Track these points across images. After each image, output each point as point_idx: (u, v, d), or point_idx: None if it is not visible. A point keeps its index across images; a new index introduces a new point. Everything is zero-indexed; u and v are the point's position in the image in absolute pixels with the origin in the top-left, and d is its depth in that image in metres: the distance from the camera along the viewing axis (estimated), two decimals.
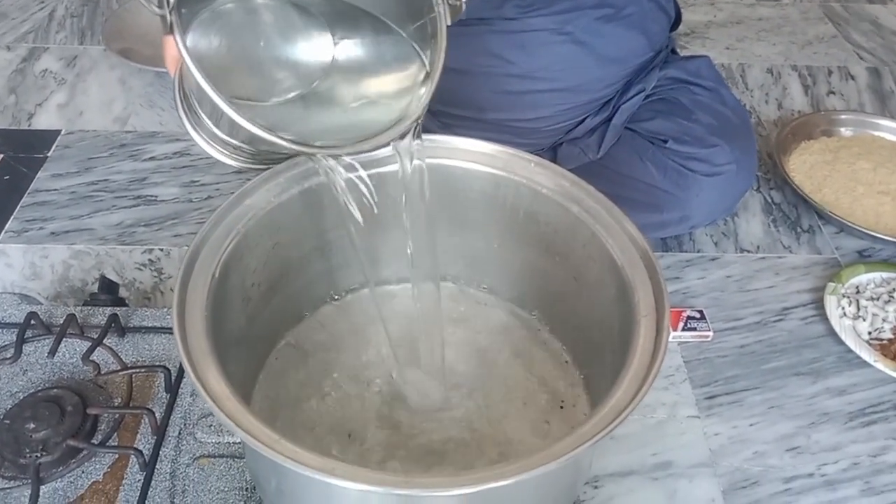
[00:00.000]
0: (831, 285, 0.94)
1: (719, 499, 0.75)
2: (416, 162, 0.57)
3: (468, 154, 0.65)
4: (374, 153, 0.55)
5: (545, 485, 0.49)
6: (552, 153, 0.98)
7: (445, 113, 0.94)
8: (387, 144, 0.53)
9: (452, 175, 0.65)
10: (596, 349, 0.63)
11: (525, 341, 0.72)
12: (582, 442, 0.43)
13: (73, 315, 0.72)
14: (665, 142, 0.92)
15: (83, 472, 0.64)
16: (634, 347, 0.50)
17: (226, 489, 0.62)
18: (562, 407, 0.67)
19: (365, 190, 0.54)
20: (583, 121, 0.95)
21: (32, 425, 0.64)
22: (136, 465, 0.63)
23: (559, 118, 0.94)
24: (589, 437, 0.44)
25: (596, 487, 0.74)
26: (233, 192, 0.60)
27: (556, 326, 0.70)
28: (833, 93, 1.35)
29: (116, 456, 0.65)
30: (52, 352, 0.69)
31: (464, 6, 0.53)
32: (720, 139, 0.91)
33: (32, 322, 0.73)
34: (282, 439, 0.44)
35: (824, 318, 0.92)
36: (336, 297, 0.75)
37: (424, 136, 0.64)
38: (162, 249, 0.99)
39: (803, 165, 1.13)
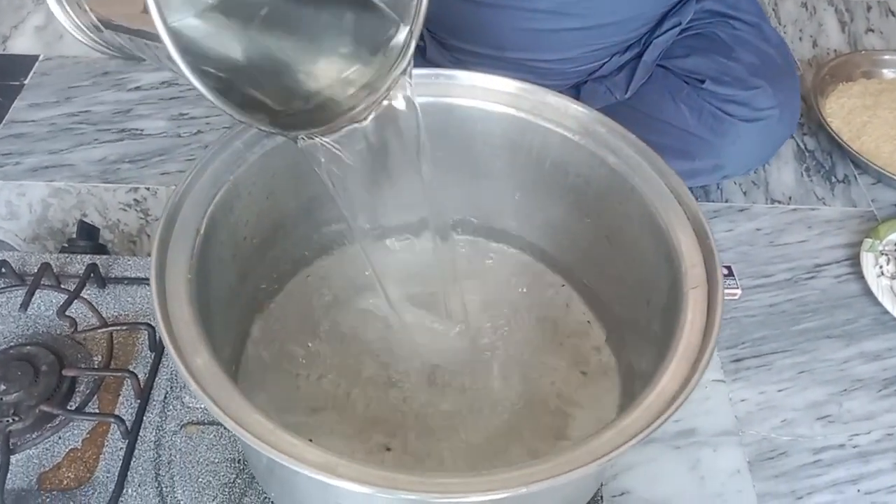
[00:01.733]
0: (868, 241, 0.88)
1: (745, 470, 0.70)
2: (400, 106, 0.48)
3: (489, 93, 0.57)
4: None
5: (576, 480, 0.44)
6: (574, 92, 0.90)
7: (460, 49, 0.85)
8: (365, 118, 0.45)
9: (470, 117, 0.58)
10: (627, 317, 0.57)
11: (545, 302, 0.66)
12: (627, 439, 0.37)
13: (48, 264, 0.66)
14: (701, 82, 0.84)
15: (60, 438, 0.58)
16: (681, 324, 0.44)
17: (216, 460, 0.57)
18: (585, 373, 0.61)
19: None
20: (611, 57, 0.86)
21: (3, 386, 0.58)
22: (119, 432, 0.58)
23: (586, 59, 0.85)
24: (635, 434, 0.38)
25: None
26: (225, 127, 0.52)
27: (581, 288, 0.64)
28: (872, 30, 1.26)
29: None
30: (25, 305, 0.63)
31: None
32: (762, 80, 0.83)
33: (3, 271, 0.66)
34: (277, 429, 0.38)
35: (860, 276, 0.86)
36: (337, 248, 0.68)
37: (440, 72, 0.57)
38: (148, 188, 0.92)
39: (841, 110, 1.05)
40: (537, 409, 0.60)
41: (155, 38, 0.34)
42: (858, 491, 0.70)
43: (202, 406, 0.59)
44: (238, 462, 0.57)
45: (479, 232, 0.68)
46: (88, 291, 0.66)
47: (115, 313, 0.66)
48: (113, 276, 0.68)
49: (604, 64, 0.87)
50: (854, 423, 0.75)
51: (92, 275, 0.66)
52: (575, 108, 0.55)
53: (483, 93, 0.56)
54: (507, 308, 0.66)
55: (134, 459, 0.57)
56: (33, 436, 0.58)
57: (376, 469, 0.36)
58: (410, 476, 0.36)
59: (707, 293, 0.45)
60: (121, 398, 0.60)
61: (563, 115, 0.55)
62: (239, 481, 0.56)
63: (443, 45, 0.88)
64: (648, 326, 0.51)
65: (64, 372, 0.59)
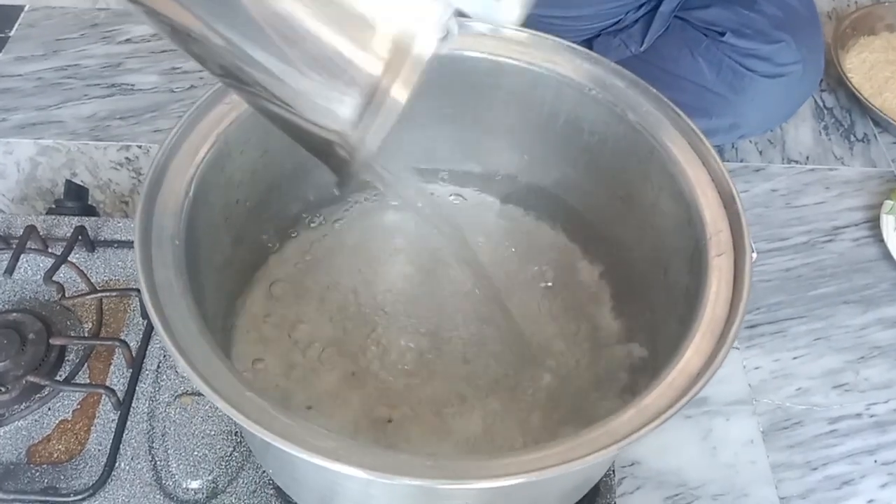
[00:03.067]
0: (888, 203, 0.85)
1: (758, 439, 0.68)
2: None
3: (499, 44, 0.53)
4: None
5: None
6: (587, 45, 0.85)
7: None
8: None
9: (478, 68, 0.54)
10: (644, 283, 0.53)
11: (555, 264, 0.62)
12: (649, 420, 0.35)
13: (34, 227, 0.63)
14: (721, 34, 0.79)
15: (49, 409, 0.56)
16: (705, 294, 0.41)
17: (212, 433, 0.55)
18: (600, 342, 0.58)
19: None
20: (626, 14, 0.82)
21: None
22: (110, 403, 0.55)
23: (602, 16, 0.81)
24: (657, 414, 0.35)
25: None
26: (216, 84, 0.48)
27: (593, 251, 0.60)
28: None
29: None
30: (10, 270, 0.60)
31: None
32: (786, 34, 0.78)
33: None
34: (271, 407, 0.35)
35: (879, 239, 0.83)
36: (336, 209, 0.64)
37: None
38: (140, 146, 0.88)
39: (862, 65, 1.01)
40: (545, 376, 0.57)
41: None
42: (875, 462, 0.68)
43: None
44: (235, 434, 0.55)
45: (487, 190, 0.65)
46: (76, 255, 0.63)
47: (105, 278, 0.63)
48: (102, 238, 0.65)
49: (619, 20, 0.83)
50: (871, 391, 0.73)
51: (80, 238, 0.63)
52: (591, 61, 0.51)
53: (493, 43, 0.52)
54: (515, 269, 0.63)
55: (126, 431, 0.54)
56: (21, 407, 0.55)
57: (380, 453, 0.33)
58: (416, 459, 0.34)
59: (733, 261, 0.42)
60: (112, 367, 0.58)
61: (578, 67, 0.51)
62: (236, 454, 0.54)
63: None
64: (668, 296, 0.48)
65: (52, 340, 0.57)
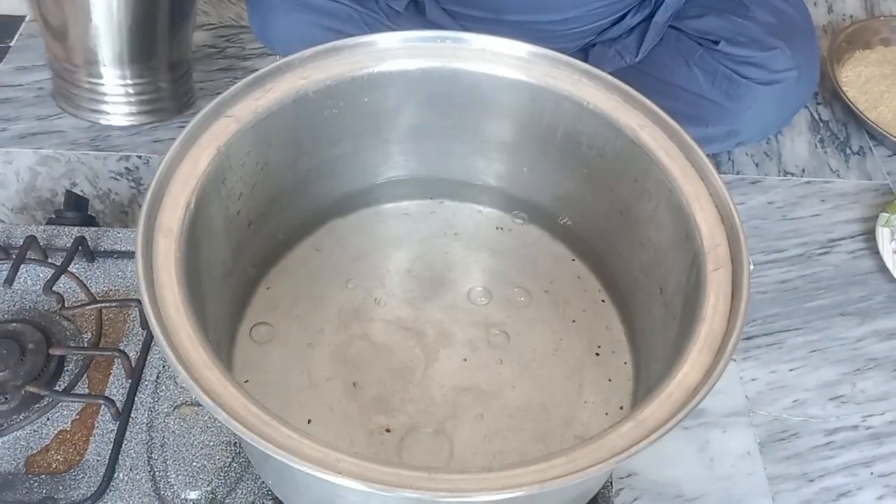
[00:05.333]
0: (884, 216, 0.85)
1: (755, 451, 0.69)
2: None
3: (499, 58, 0.53)
4: None
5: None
6: (582, 55, 0.86)
7: (458, 13, 0.81)
8: None
9: (478, 83, 0.54)
10: (642, 295, 0.54)
11: (556, 276, 0.63)
12: (647, 433, 0.35)
13: (34, 237, 0.63)
14: (716, 43, 0.80)
15: (48, 419, 0.56)
16: (703, 308, 0.41)
17: (211, 443, 0.55)
18: (598, 354, 0.59)
19: None
20: (621, 19, 0.82)
21: None
22: (109, 413, 0.55)
23: (588, 19, 0.81)
24: (656, 428, 0.35)
25: None
26: (218, 93, 0.49)
27: (594, 264, 0.61)
28: None
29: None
30: (10, 280, 0.60)
31: None
32: (780, 41, 0.79)
33: None
34: (272, 420, 0.35)
35: (875, 252, 0.84)
36: (336, 221, 0.65)
37: (446, 34, 0.53)
38: (140, 157, 0.89)
39: (857, 79, 1.01)
40: (546, 388, 0.57)
41: None
42: (871, 474, 0.68)
43: None
44: (234, 445, 0.55)
45: (486, 202, 0.65)
46: (76, 265, 0.63)
47: (105, 288, 0.63)
48: (102, 249, 0.65)
49: (613, 24, 0.83)
50: (868, 403, 0.73)
51: (80, 248, 0.63)
52: (590, 75, 0.52)
53: (492, 57, 0.53)
54: (515, 281, 0.63)
55: (125, 442, 0.54)
56: (20, 417, 0.55)
57: (380, 465, 0.34)
58: (416, 472, 0.34)
59: (731, 275, 0.42)
60: (111, 378, 0.58)
61: (576, 81, 0.52)
62: (235, 465, 0.54)
63: (446, 12, 0.84)
64: (666, 309, 0.48)
65: (51, 351, 0.57)
